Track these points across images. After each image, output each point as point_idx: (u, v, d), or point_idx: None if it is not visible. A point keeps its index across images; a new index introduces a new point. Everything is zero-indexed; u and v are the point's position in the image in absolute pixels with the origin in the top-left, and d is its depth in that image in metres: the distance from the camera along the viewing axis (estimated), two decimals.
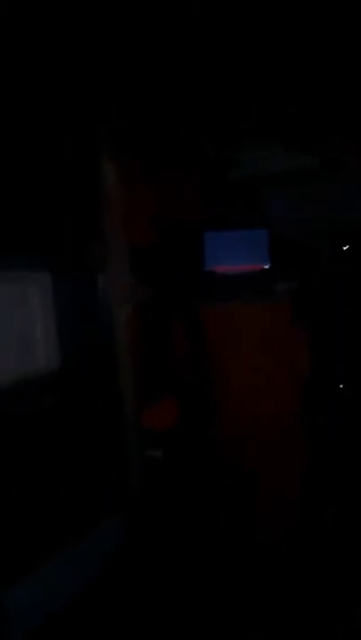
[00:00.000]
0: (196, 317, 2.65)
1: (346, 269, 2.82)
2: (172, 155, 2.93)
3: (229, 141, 3.11)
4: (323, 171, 3.08)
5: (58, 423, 2.23)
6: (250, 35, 2.26)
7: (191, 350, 2.65)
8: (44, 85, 2.21)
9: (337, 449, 2.72)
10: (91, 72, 2.39)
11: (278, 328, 2.64)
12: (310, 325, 2.75)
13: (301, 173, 3.13)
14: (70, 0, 1.93)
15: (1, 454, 1.99)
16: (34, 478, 2.13)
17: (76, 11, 1.98)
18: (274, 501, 2.59)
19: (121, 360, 2.53)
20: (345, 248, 2.83)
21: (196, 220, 2.92)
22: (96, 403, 2.41)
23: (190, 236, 2.84)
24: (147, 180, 2.80)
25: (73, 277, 2.34)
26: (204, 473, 2.62)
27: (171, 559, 2.42)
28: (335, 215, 3.01)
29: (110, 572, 2.36)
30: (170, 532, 2.51)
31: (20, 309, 2.13)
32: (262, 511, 2.58)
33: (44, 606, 2.11)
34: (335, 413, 2.66)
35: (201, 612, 2.11)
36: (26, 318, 2.15)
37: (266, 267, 2.79)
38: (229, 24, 2.16)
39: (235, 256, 2.79)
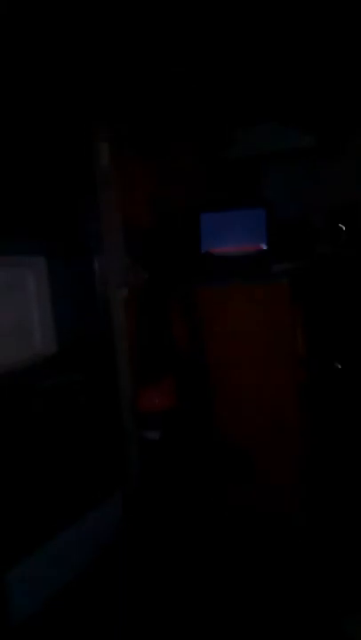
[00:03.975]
0: (193, 299, 2.64)
1: (345, 250, 2.80)
2: (170, 134, 2.88)
3: (227, 119, 3.07)
4: (321, 149, 3.04)
5: (55, 406, 2.25)
6: (248, 12, 2.21)
7: (188, 332, 2.65)
8: (35, 65, 2.16)
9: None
10: (84, 51, 2.34)
11: (276, 309, 2.63)
12: (308, 306, 2.74)
13: (300, 152, 3.09)
14: None
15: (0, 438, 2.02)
16: (32, 461, 2.15)
17: None
18: (272, 480, 2.62)
19: (117, 343, 2.53)
20: (343, 228, 2.81)
21: (193, 201, 2.88)
22: (93, 385, 2.43)
23: (187, 218, 2.81)
24: (145, 161, 2.76)
25: (68, 261, 2.33)
26: (201, 453, 2.64)
27: (170, 541, 2.46)
28: (334, 194, 2.97)
29: (109, 554, 2.40)
30: (168, 514, 2.55)
31: (15, 294, 2.12)
32: (260, 489, 2.61)
33: (44, 587, 2.15)
34: None
35: (200, 600, 2.13)
36: (21, 303, 2.15)
37: (263, 247, 2.77)
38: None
39: (231, 237, 2.76)
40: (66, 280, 2.32)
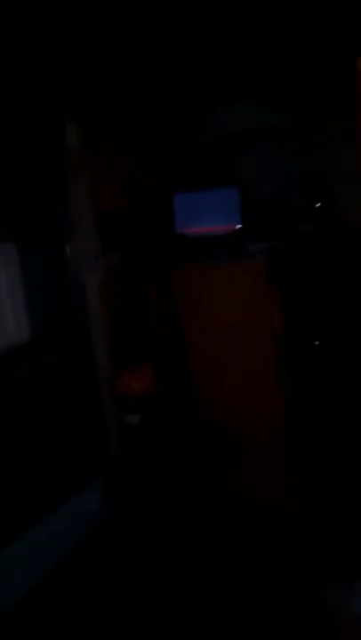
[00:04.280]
0: (169, 280, 2.63)
1: (319, 228, 2.80)
2: (141, 115, 2.85)
3: (201, 98, 3.02)
4: (298, 128, 3.02)
5: (31, 393, 2.24)
6: None
7: (165, 314, 2.64)
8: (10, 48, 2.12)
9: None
10: (53, 32, 2.30)
11: (253, 288, 2.63)
12: (285, 284, 2.74)
13: (276, 131, 3.06)
14: None
15: None
16: (11, 447, 2.15)
17: None
18: (257, 460, 2.63)
19: (93, 327, 2.53)
20: (317, 206, 2.81)
21: (166, 183, 2.86)
22: (70, 371, 2.42)
23: (161, 199, 2.79)
24: (117, 144, 2.73)
25: (39, 246, 2.31)
26: (182, 435, 2.65)
27: (153, 524, 2.47)
28: (310, 174, 2.96)
29: (91, 538, 2.41)
30: (151, 497, 2.56)
31: None
32: (246, 471, 2.62)
33: (28, 572, 2.16)
34: None
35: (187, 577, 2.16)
36: None
37: (238, 226, 2.76)
38: None
39: (205, 217, 2.76)
40: (38, 266, 2.31)
